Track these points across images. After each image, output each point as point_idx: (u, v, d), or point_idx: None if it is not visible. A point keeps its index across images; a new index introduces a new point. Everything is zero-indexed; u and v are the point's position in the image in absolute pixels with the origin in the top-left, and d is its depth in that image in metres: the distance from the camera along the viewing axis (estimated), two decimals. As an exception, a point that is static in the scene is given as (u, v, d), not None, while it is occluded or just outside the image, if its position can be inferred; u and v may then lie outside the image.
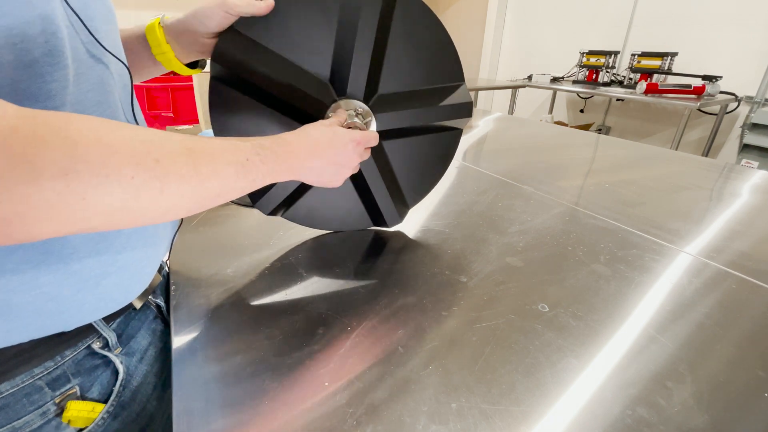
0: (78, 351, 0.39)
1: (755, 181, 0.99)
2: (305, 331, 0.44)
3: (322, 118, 0.52)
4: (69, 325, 0.37)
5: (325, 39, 0.51)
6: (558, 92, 3.52)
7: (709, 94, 2.32)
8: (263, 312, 0.47)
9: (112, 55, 0.37)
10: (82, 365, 0.39)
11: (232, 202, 0.75)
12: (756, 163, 2.25)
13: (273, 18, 0.49)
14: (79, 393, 0.39)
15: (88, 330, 0.39)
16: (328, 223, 0.65)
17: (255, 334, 0.44)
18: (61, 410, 0.38)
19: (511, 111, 3.67)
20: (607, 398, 0.37)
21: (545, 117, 3.40)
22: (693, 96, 2.35)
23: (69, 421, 0.38)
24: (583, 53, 2.99)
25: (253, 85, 0.51)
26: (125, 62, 0.41)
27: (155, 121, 2.65)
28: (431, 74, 0.55)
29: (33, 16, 0.28)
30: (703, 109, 2.45)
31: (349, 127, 0.50)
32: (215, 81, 0.51)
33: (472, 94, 0.55)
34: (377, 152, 0.57)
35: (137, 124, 0.43)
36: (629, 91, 2.62)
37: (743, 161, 2.30)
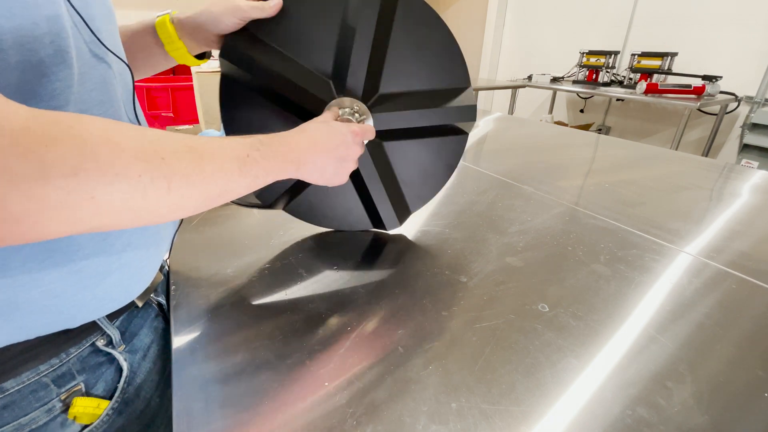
0: (82, 348, 0.39)
1: (755, 181, 0.99)
2: (305, 331, 0.44)
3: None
4: (74, 322, 0.38)
5: (329, 37, 0.51)
6: (558, 92, 3.52)
7: (709, 94, 2.32)
8: (263, 312, 0.47)
9: (114, 54, 0.38)
10: (87, 362, 0.40)
11: (232, 201, 0.76)
12: (756, 163, 2.25)
13: (279, 17, 0.50)
14: (84, 390, 0.40)
15: (92, 328, 0.40)
16: (328, 221, 0.65)
17: (255, 334, 0.44)
18: (66, 407, 0.38)
19: (511, 111, 3.67)
20: (607, 398, 0.37)
21: (545, 117, 3.40)
22: (693, 96, 2.35)
23: (74, 418, 0.39)
24: (583, 53, 2.99)
25: (259, 82, 0.52)
26: (126, 61, 0.41)
27: (155, 121, 2.65)
28: (435, 76, 0.55)
29: (39, 17, 0.28)
30: (703, 109, 2.45)
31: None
32: (224, 78, 0.53)
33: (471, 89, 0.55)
34: (376, 152, 0.57)
35: (138, 122, 0.43)
36: (629, 91, 2.62)
37: (743, 161, 2.30)
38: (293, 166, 0.41)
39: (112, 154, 0.25)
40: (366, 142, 0.54)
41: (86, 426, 0.40)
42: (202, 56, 0.55)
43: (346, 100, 0.53)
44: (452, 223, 0.70)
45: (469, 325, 0.46)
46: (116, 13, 0.42)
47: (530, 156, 1.18)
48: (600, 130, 3.19)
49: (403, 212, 0.64)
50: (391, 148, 0.58)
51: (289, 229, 0.66)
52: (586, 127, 3.13)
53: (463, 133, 0.59)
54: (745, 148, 2.32)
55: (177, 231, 0.53)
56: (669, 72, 2.59)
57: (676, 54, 2.60)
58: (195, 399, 0.36)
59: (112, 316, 0.42)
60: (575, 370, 0.40)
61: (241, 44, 0.50)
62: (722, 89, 2.38)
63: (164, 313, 0.51)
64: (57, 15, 0.29)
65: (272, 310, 0.48)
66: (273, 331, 0.44)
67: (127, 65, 0.41)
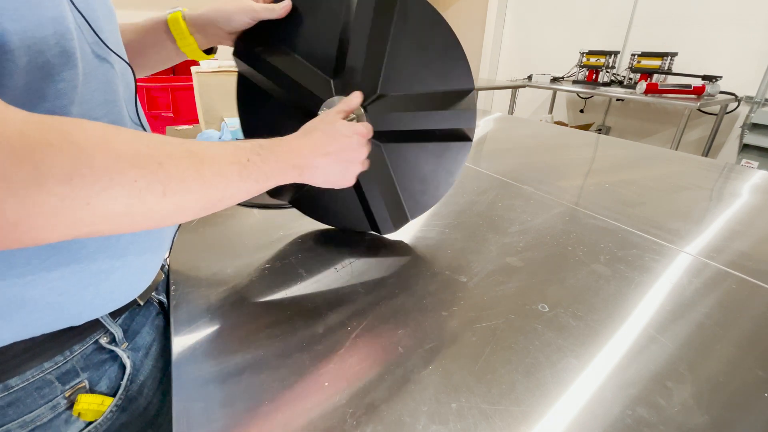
0: (86, 346, 0.40)
1: (755, 181, 0.99)
2: (305, 331, 0.44)
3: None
4: (78, 320, 0.38)
5: (332, 36, 0.52)
6: (558, 92, 3.52)
7: (709, 94, 2.32)
8: (263, 312, 0.47)
9: (116, 54, 0.38)
10: (91, 360, 0.40)
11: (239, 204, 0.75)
12: (756, 163, 2.25)
13: (287, 17, 0.52)
14: (88, 387, 0.40)
15: (95, 325, 0.40)
16: (329, 218, 0.66)
17: (255, 334, 0.44)
18: (71, 404, 0.38)
19: (511, 111, 3.67)
20: (607, 398, 0.37)
21: (545, 117, 3.40)
22: (693, 96, 2.35)
23: (79, 414, 0.39)
24: (583, 53, 2.99)
25: (270, 80, 0.55)
26: (127, 61, 0.41)
27: (155, 121, 2.65)
28: (436, 78, 0.52)
29: (45, 18, 0.28)
30: (703, 109, 2.45)
31: None
32: (240, 77, 0.58)
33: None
34: (374, 155, 0.57)
35: (140, 122, 0.43)
36: (629, 91, 2.62)
37: (743, 161, 2.30)
38: (296, 170, 0.41)
39: (107, 160, 0.25)
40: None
41: (90, 423, 0.40)
42: (210, 51, 0.58)
43: (341, 99, 0.52)
44: (452, 223, 0.70)
45: (469, 325, 0.46)
46: (117, 13, 0.42)
47: (530, 156, 1.18)
48: (600, 130, 3.20)
49: (400, 217, 0.62)
50: (390, 150, 0.57)
51: (289, 229, 0.66)
52: (586, 127, 3.13)
53: (467, 140, 0.56)
54: (745, 148, 2.32)
55: (177, 231, 0.53)
56: (669, 72, 2.59)
57: (676, 54, 2.60)
58: (195, 399, 0.36)
59: (114, 314, 0.42)
60: (575, 370, 0.40)
61: (252, 43, 0.53)
62: (722, 89, 2.38)
63: (165, 312, 0.52)
64: (62, 16, 0.30)
65: (272, 310, 0.48)
66: (273, 331, 0.44)
67: (129, 65, 0.41)
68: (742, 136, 2.43)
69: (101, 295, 0.39)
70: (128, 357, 0.43)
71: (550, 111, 3.63)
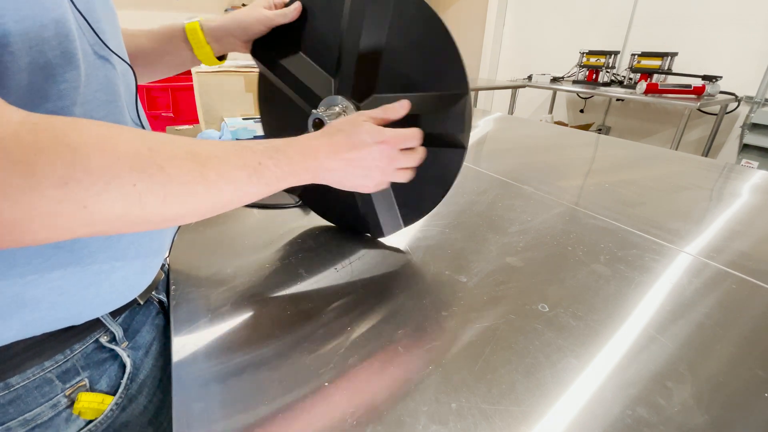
0: (86, 345, 0.40)
1: (755, 181, 0.99)
2: (305, 330, 0.44)
3: None
4: (78, 319, 0.38)
5: (336, 36, 0.53)
6: (558, 92, 3.52)
7: (709, 94, 2.32)
8: (263, 312, 0.47)
9: (117, 56, 0.38)
10: (91, 358, 0.40)
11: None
12: (756, 163, 2.25)
13: (297, 20, 0.55)
14: (88, 385, 0.40)
15: (96, 324, 0.40)
16: (332, 216, 0.66)
17: (255, 333, 0.44)
18: (71, 402, 0.39)
19: (511, 111, 3.67)
20: (607, 398, 0.37)
21: (545, 117, 3.40)
22: (693, 96, 2.35)
23: (79, 413, 0.39)
24: (583, 53, 2.99)
25: (282, 79, 0.58)
26: (129, 62, 0.41)
27: (155, 121, 2.65)
28: (430, 80, 0.49)
29: (47, 19, 0.28)
30: (703, 109, 2.45)
31: (315, 123, 0.49)
32: (260, 76, 0.63)
33: (471, 94, 0.49)
34: None
35: (141, 123, 0.43)
36: (629, 91, 2.62)
37: (743, 161, 2.30)
38: (309, 173, 0.39)
39: (105, 163, 0.25)
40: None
41: (90, 421, 0.40)
42: (222, 57, 0.61)
43: (336, 99, 0.52)
44: (452, 223, 0.70)
45: (469, 325, 0.46)
46: (117, 13, 0.43)
47: (530, 156, 1.18)
48: (600, 130, 3.20)
49: (393, 224, 0.60)
50: None
51: (289, 229, 0.66)
52: (586, 127, 3.13)
53: (460, 147, 0.51)
54: (745, 148, 2.32)
55: (177, 230, 0.53)
56: (669, 72, 2.59)
57: (676, 54, 2.60)
58: (195, 399, 0.36)
59: (114, 314, 0.42)
60: (575, 370, 0.40)
61: (266, 45, 0.57)
62: (722, 89, 2.38)
63: (165, 311, 0.52)
64: (63, 17, 0.30)
65: (272, 309, 0.48)
66: (273, 330, 0.44)
67: (130, 66, 0.41)
68: (742, 136, 2.43)
69: (102, 295, 0.39)
70: (128, 356, 0.43)
71: (550, 111, 3.63)
